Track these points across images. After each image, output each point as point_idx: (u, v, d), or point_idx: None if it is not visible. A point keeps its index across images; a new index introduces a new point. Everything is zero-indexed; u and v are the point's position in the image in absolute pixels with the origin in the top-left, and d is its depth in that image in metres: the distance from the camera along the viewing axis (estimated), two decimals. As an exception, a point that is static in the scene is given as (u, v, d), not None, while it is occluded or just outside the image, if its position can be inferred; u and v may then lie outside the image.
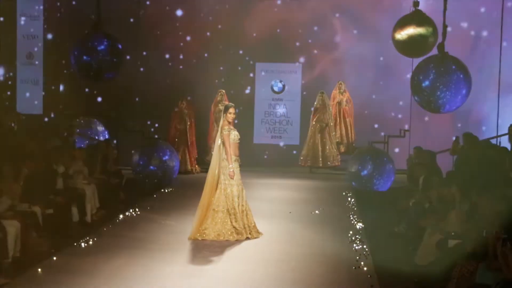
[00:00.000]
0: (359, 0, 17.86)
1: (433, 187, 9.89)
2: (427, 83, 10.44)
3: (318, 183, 15.11)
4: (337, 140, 17.01)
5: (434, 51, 11.67)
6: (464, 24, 17.45)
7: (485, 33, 17.47)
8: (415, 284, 7.62)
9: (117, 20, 15.95)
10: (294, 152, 17.96)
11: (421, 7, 13.05)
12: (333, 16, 18.24)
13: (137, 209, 11.54)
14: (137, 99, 17.41)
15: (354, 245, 9.32)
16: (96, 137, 15.90)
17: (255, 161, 17.31)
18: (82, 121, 16.36)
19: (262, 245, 9.42)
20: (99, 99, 18.17)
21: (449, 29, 10.97)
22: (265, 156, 18.37)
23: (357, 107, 17.61)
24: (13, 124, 13.89)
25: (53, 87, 17.99)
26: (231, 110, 9.85)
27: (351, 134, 17.33)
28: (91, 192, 11.18)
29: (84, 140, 15.32)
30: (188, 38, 18.30)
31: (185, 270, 8.08)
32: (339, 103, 17.27)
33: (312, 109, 17.00)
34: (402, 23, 12.94)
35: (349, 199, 12.97)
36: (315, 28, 18.35)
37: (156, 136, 16.64)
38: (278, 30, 18.27)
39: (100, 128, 16.38)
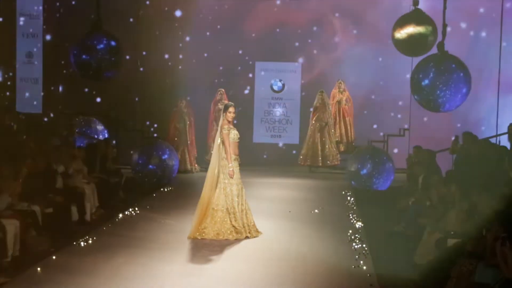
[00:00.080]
0: (359, 0, 17.85)
1: (432, 186, 9.90)
2: (426, 82, 10.43)
3: (318, 182, 15.11)
4: (337, 139, 17.00)
5: (434, 50, 11.67)
6: (463, 24, 17.46)
7: (484, 33, 17.47)
8: (414, 283, 7.62)
9: (116, 20, 15.92)
10: (294, 152, 17.96)
11: (420, 6, 13.05)
12: (333, 16, 18.24)
13: (136, 208, 11.54)
14: (136, 99, 17.40)
15: (354, 244, 9.32)
16: (96, 136, 15.89)
17: (255, 160, 17.30)
18: (81, 120, 16.35)
19: (262, 244, 9.42)
20: (99, 99, 18.17)
21: (448, 29, 10.97)
22: (265, 156, 18.37)
23: (357, 107, 17.61)
24: (12, 124, 13.88)
25: (52, 88, 17.99)
26: (231, 109, 9.84)
27: (350, 133, 17.33)
28: (90, 191, 11.19)
29: (84, 139, 15.31)
30: (188, 38, 18.30)
31: (184, 269, 8.09)
32: (339, 102, 17.26)
33: (312, 109, 17.00)
34: (402, 22, 12.93)
35: (349, 198, 12.97)
36: (315, 28, 18.36)
37: (155, 135, 16.65)
38: (278, 30, 18.28)
39: (100, 127, 16.37)
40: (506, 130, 13.27)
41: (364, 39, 17.74)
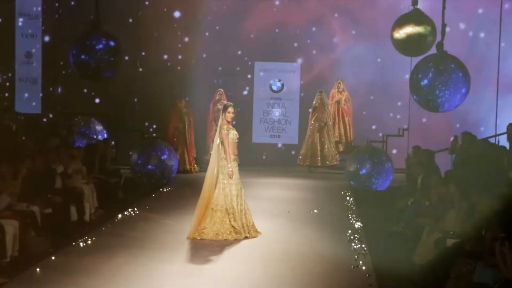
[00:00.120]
0: (357, 0, 17.86)
1: (431, 186, 9.90)
2: (426, 82, 10.43)
3: (317, 182, 15.11)
4: (336, 139, 17.00)
5: (433, 50, 11.67)
6: (462, 25, 17.48)
7: (483, 34, 17.49)
8: (413, 283, 7.63)
9: (115, 20, 15.93)
10: (293, 152, 17.96)
11: (419, 6, 13.05)
12: (331, 17, 18.24)
13: (135, 209, 11.54)
14: (135, 99, 17.40)
15: (353, 244, 9.32)
16: (95, 137, 15.88)
17: (254, 160, 17.31)
18: (80, 121, 16.34)
19: (261, 244, 9.41)
20: (98, 99, 18.18)
21: (447, 29, 10.97)
22: (264, 157, 18.38)
23: (356, 108, 17.61)
24: (11, 124, 13.88)
25: (51, 88, 18.00)
26: (230, 109, 9.84)
27: (349, 133, 17.32)
28: (89, 191, 11.18)
29: (83, 139, 15.31)
30: (186, 39, 18.30)
31: (184, 270, 8.09)
32: (338, 102, 17.26)
33: (310, 110, 17.00)
34: (401, 22, 12.93)
35: (348, 198, 12.97)
36: (313, 28, 18.37)
37: (154, 136, 16.65)
38: (277, 30, 18.28)
39: (99, 127, 16.37)
40: (505, 130, 13.27)
41: (363, 40, 17.76)
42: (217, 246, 9.20)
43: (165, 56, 18.32)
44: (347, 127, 17.32)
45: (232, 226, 9.63)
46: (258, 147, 18.39)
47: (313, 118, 16.69)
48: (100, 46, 12.09)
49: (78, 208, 10.68)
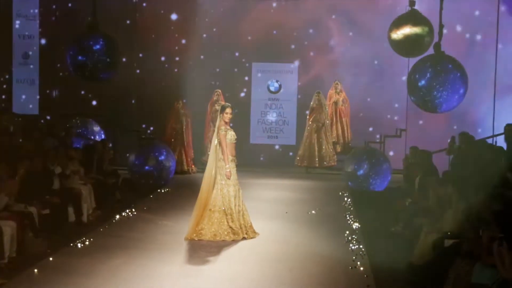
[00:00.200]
0: (355, 2, 17.87)
1: (429, 187, 9.89)
2: (423, 82, 10.44)
3: (315, 183, 15.11)
4: (334, 140, 17.01)
5: (430, 51, 11.68)
6: (459, 27, 17.50)
7: (480, 36, 17.52)
8: (411, 283, 7.63)
9: (113, 22, 15.93)
10: (291, 154, 17.96)
11: (416, 7, 13.07)
12: (329, 18, 18.26)
13: (133, 209, 11.54)
14: (133, 101, 17.40)
15: (351, 245, 9.32)
16: (92, 137, 15.88)
17: (252, 161, 17.32)
18: (78, 121, 16.34)
19: (259, 245, 9.41)
20: (95, 101, 18.19)
21: (444, 31, 10.98)
22: (262, 158, 18.38)
23: (353, 110, 17.62)
24: (9, 125, 13.86)
25: (47, 91, 17.99)
26: (228, 110, 9.84)
27: (347, 134, 17.34)
28: (87, 192, 11.18)
29: (80, 140, 15.29)
30: (184, 41, 18.30)
31: (182, 270, 8.08)
32: (336, 103, 17.27)
33: (307, 112, 17.00)
34: (398, 22, 12.95)
35: (346, 199, 12.98)
36: (311, 30, 18.38)
37: (152, 136, 16.63)
38: (274, 32, 18.29)
39: (96, 128, 16.36)
40: (502, 132, 13.28)
41: (360, 42, 17.78)
42: (215, 247, 9.20)
43: (163, 58, 18.33)
44: (345, 128, 17.33)
45: (230, 227, 9.63)
46: (255, 148, 18.39)
47: (311, 119, 16.70)
48: (98, 46, 12.09)
49: (76, 209, 10.68)
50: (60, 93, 17.90)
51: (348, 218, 11.21)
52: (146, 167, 14.01)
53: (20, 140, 12.46)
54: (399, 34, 12.69)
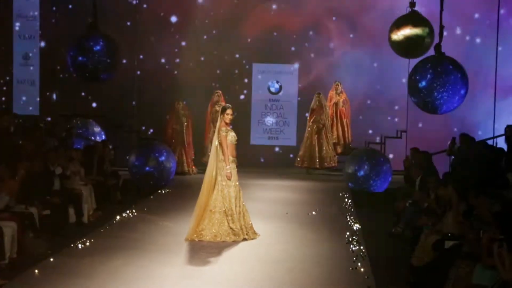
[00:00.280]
0: (355, 4, 17.88)
1: (430, 188, 9.91)
2: (424, 83, 10.44)
3: (315, 184, 15.11)
4: (334, 141, 17.00)
5: (430, 52, 11.69)
6: (459, 29, 17.51)
7: (480, 38, 17.52)
8: (411, 285, 7.63)
9: (113, 24, 15.95)
10: (291, 155, 17.95)
11: (417, 8, 13.08)
12: (329, 21, 18.26)
13: (134, 210, 11.53)
14: (133, 102, 17.40)
15: (351, 246, 9.32)
16: (93, 138, 15.89)
17: (252, 162, 17.32)
18: (78, 122, 16.35)
19: (259, 246, 9.41)
20: (95, 102, 18.20)
21: (444, 33, 10.99)
22: (262, 159, 18.39)
23: (353, 111, 17.62)
24: (10, 126, 13.85)
25: (48, 92, 17.99)
26: (229, 111, 9.84)
27: (348, 135, 17.32)
28: (87, 193, 11.19)
29: (81, 141, 15.30)
30: (184, 43, 18.31)
31: (182, 271, 8.08)
32: (336, 104, 17.25)
33: (307, 114, 17.00)
34: (399, 23, 12.96)
35: (346, 200, 12.97)
36: (311, 32, 18.39)
37: (152, 137, 16.64)
38: (275, 34, 18.29)
39: (97, 129, 16.36)
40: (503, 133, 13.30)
41: (360, 44, 17.80)
42: (216, 248, 9.20)
43: (163, 60, 18.34)
44: (345, 129, 17.32)
45: (231, 228, 9.62)
46: (256, 149, 18.39)
47: (311, 120, 16.69)
48: (98, 47, 12.10)
49: (76, 210, 10.69)
50: (61, 94, 17.89)
51: (348, 219, 11.20)
52: (147, 168, 14.00)
53: (21, 141, 12.46)
54: (399, 35, 12.70)
